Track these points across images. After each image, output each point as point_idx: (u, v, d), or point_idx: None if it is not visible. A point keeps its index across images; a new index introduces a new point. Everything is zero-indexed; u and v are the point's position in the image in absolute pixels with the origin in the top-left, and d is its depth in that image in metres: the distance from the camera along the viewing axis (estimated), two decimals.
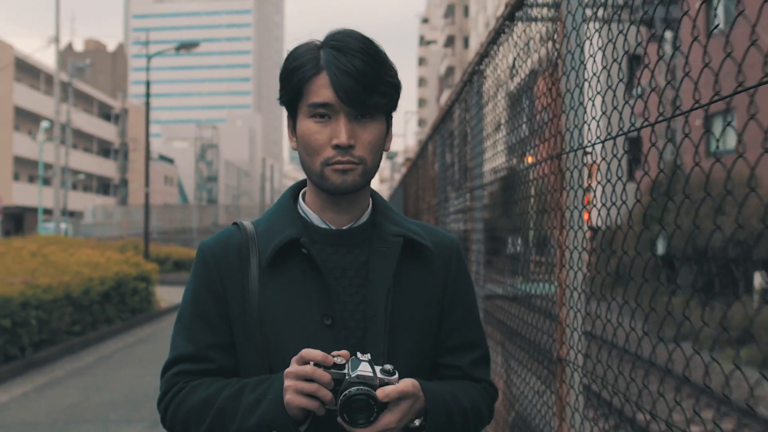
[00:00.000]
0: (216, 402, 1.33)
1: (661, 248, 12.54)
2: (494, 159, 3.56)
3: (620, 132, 2.05)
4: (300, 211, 1.45)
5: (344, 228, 1.42)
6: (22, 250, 13.46)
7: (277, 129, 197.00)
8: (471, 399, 1.43)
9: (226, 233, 1.46)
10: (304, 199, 1.46)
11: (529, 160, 2.90)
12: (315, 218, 1.43)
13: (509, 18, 2.62)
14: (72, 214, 47.46)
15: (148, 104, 20.89)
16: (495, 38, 3.03)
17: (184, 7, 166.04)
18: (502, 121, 3.31)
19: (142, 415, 6.87)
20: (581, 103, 1.94)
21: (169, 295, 17.35)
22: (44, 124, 38.53)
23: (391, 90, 1.35)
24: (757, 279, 13.17)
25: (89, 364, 9.67)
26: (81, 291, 10.84)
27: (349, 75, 1.29)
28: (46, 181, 45.58)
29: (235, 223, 1.48)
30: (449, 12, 70.48)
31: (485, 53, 3.32)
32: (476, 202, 4.09)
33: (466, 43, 67.66)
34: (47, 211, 42.27)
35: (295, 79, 1.35)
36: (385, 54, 1.36)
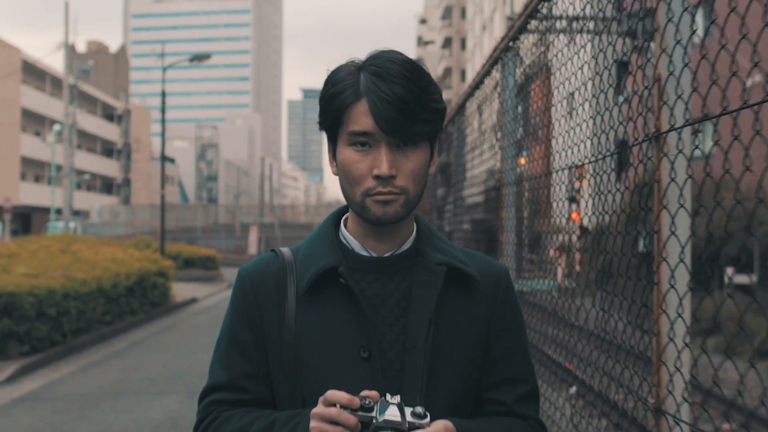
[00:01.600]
0: None
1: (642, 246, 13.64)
2: (469, 179, 4.82)
3: (558, 169, 3.25)
4: (341, 238, 1.41)
5: (386, 255, 1.37)
6: (51, 248, 14.62)
7: (276, 128, 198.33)
8: None
9: (264, 260, 1.43)
10: (346, 226, 1.42)
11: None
12: (356, 245, 1.38)
13: (470, 95, 3.85)
14: (77, 213, 48.58)
15: (164, 110, 22.01)
16: (465, 101, 4.28)
17: (183, 6, 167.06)
18: (471, 156, 4.57)
19: (180, 388, 8.08)
20: (513, 156, 3.13)
21: (182, 291, 18.56)
22: (56, 127, 39.76)
23: (435, 116, 1.29)
24: (728, 274, 14.30)
25: (122, 349, 10.87)
26: (111, 285, 12.05)
27: (390, 103, 1.23)
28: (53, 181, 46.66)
29: (273, 250, 1.44)
30: (447, 14, 71.31)
31: (462, 104, 4.55)
32: (458, 209, 5.30)
33: (463, 44, 68.55)
34: (57, 211, 43.43)
35: (334, 105, 1.29)
36: (428, 77, 1.29)
